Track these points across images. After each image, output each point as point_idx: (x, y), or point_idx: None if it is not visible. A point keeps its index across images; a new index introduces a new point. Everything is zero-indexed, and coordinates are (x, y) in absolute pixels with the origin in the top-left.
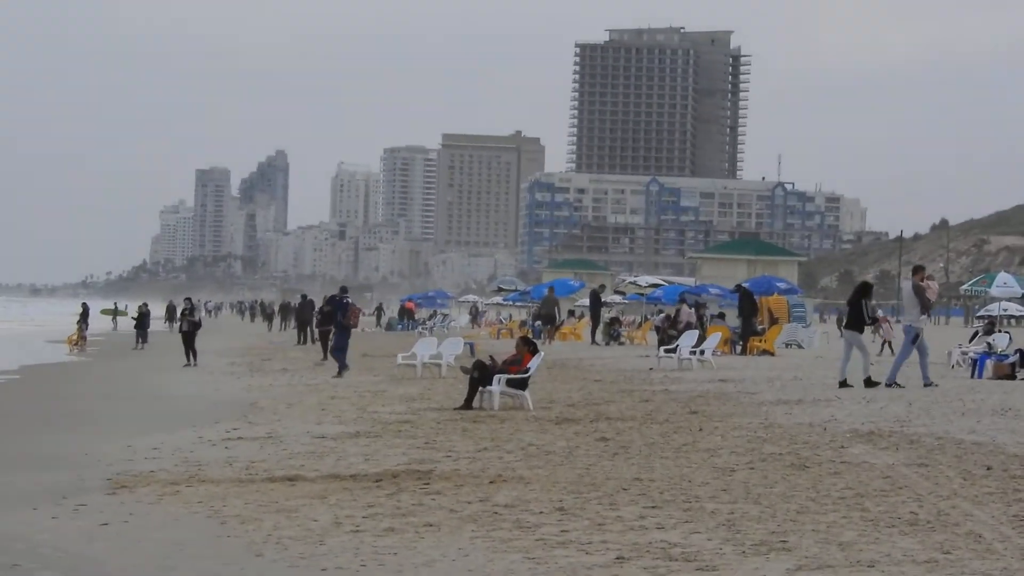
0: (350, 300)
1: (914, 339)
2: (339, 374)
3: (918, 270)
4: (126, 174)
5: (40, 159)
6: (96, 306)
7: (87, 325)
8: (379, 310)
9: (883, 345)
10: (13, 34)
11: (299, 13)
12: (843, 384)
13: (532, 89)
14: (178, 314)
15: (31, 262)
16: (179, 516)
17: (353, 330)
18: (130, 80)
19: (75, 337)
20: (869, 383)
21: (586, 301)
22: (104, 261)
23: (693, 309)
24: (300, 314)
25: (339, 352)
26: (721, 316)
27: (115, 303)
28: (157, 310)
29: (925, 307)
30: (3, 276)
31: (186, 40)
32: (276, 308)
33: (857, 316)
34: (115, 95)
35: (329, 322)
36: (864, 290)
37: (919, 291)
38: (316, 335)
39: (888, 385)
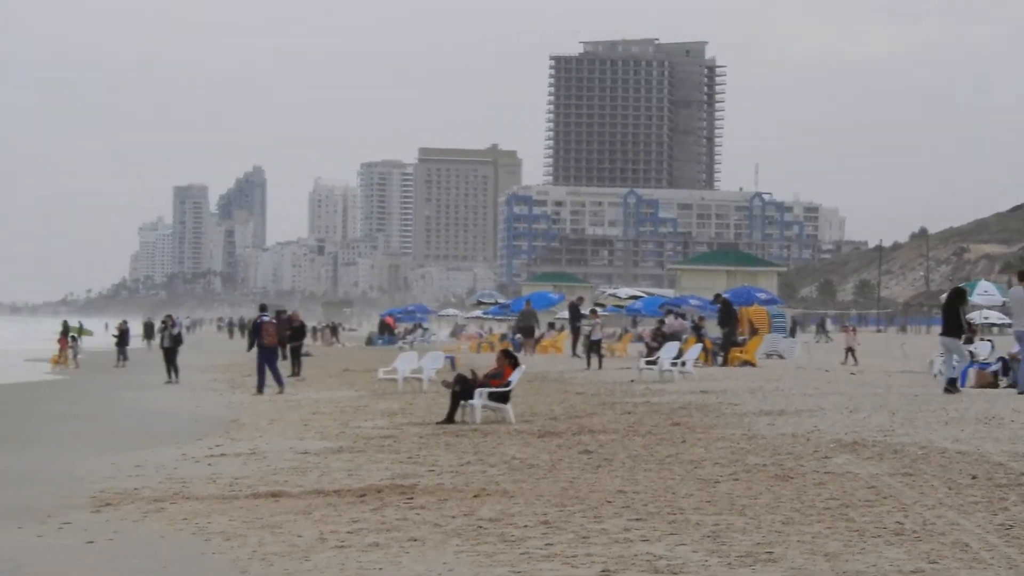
0: (267, 319)
1: None
2: (259, 391)
3: None
4: (105, 191)
5: (18, 176)
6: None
7: (76, 342)
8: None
9: (847, 352)
10: None
11: (276, 30)
12: (950, 387)
13: (508, 102)
14: (156, 330)
15: (10, 280)
16: (164, 533)
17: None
18: (109, 97)
19: (58, 356)
20: (952, 389)
21: (566, 314)
22: (84, 279)
23: (680, 320)
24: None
25: (260, 372)
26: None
27: (80, 322)
28: (137, 328)
29: None
30: None
31: (164, 57)
32: None
33: (954, 322)
34: (94, 112)
35: (299, 337)
36: (958, 296)
37: None
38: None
39: (1021, 392)
